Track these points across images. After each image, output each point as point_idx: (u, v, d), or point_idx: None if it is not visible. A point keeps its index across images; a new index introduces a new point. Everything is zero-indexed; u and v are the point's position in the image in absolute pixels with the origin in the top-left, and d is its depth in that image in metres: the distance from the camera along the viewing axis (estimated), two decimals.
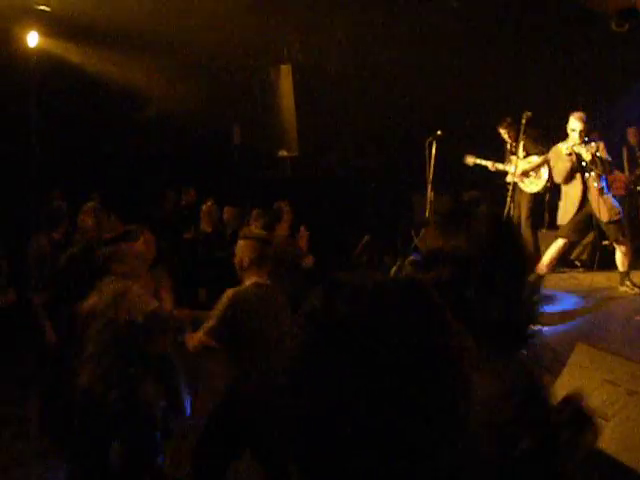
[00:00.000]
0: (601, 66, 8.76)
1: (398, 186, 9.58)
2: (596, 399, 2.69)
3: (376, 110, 9.25)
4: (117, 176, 9.50)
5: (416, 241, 9.41)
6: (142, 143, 9.93)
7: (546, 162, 7.71)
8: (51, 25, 8.62)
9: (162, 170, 9.91)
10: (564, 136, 6.79)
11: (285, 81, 9.43)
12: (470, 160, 8.32)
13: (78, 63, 9.27)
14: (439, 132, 7.70)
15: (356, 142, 9.77)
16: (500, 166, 8.21)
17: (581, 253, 8.07)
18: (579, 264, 8.11)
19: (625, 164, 8.50)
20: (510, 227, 1.74)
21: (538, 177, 8.01)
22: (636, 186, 8.35)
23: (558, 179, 6.81)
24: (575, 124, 6.56)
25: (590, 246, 7.88)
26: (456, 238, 1.60)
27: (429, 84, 8.77)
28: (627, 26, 8.85)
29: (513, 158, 8.03)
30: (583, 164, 6.56)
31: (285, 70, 9.43)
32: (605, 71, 8.79)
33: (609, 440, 2.44)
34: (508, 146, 8.14)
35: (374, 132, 9.65)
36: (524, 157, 7.98)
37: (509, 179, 8.00)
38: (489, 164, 8.25)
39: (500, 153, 8.34)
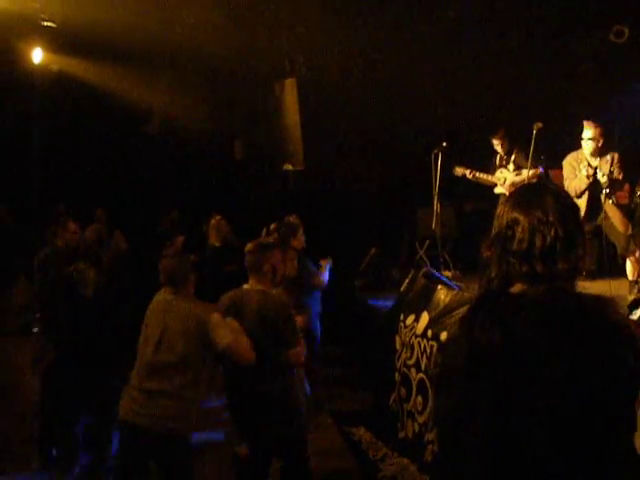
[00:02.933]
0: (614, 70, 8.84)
1: (403, 199, 9.59)
2: None
3: (381, 122, 9.28)
4: (121, 191, 9.48)
5: (420, 253, 9.47)
6: (146, 158, 9.93)
7: (536, 176, 7.75)
8: (56, 41, 8.62)
9: (166, 185, 9.89)
10: (574, 145, 6.85)
11: (290, 95, 9.45)
12: (459, 171, 8.26)
13: (82, 79, 9.26)
14: (444, 144, 7.71)
15: (361, 155, 9.78)
16: (482, 176, 8.14)
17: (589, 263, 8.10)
18: (584, 274, 8.11)
19: None
20: (571, 201, 1.92)
21: None
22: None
23: (572, 194, 6.86)
24: (589, 132, 6.58)
25: (596, 256, 7.91)
26: (529, 208, 1.81)
27: (434, 96, 8.81)
28: (626, 37, 9.00)
29: (503, 170, 8.03)
30: (598, 178, 6.63)
31: (290, 84, 9.44)
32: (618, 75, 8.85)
33: None
34: (498, 158, 8.10)
35: (379, 144, 9.67)
36: (513, 170, 7.98)
37: (497, 190, 7.99)
38: (468, 173, 8.18)
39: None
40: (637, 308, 5.40)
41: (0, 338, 6.62)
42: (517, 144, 7.71)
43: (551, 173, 8.47)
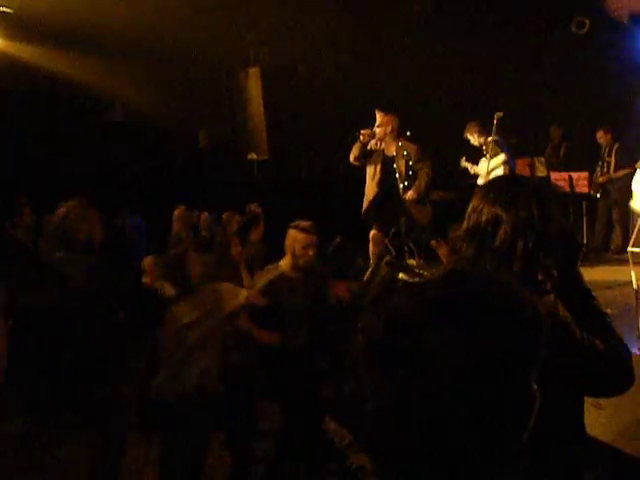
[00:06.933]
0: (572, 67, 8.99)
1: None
2: None
3: (346, 112, 9.28)
4: (83, 181, 9.31)
5: (385, 241, 9.51)
6: (108, 147, 9.79)
7: (504, 164, 7.90)
8: (12, 27, 8.43)
9: (129, 174, 9.76)
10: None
11: (254, 84, 9.40)
12: (464, 164, 8.56)
13: (41, 66, 9.06)
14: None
15: (325, 144, 9.78)
16: (475, 168, 8.44)
17: None
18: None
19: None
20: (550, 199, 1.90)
21: None
22: (600, 189, 8.58)
23: None
24: (377, 120, 6.81)
25: None
26: (513, 207, 1.79)
27: (399, 86, 8.84)
28: (586, 28, 9.15)
29: (483, 159, 8.20)
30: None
31: (254, 73, 9.39)
32: (578, 72, 9.01)
33: (605, 429, 2.49)
34: (484, 148, 8.26)
35: (344, 134, 9.67)
36: (490, 159, 8.15)
37: (480, 181, 8.20)
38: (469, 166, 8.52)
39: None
40: None
41: None
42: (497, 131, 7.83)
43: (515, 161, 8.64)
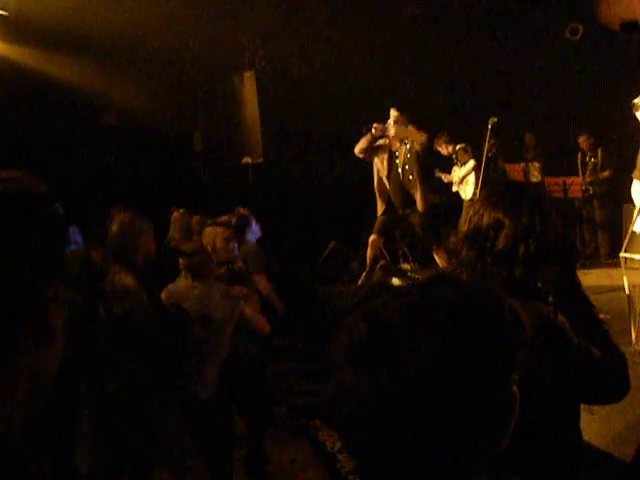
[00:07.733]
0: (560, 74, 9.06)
1: (363, 192, 9.64)
2: None
3: (340, 116, 9.30)
4: (76, 185, 9.28)
5: (379, 246, 9.55)
6: (103, 150, 9.76)
7: (474, 170, 8.03)
8: (8, 30, 8.40)
9: (123, 177, 9.73)
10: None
11: (249, 87, 9.42)
12: (438, 174, 8.78)
13: (36, 69, 9.02)
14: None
15: (320, 148, 9.79)
16: (448, 177, 8.70)
17: None
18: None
19: (579, 169, 8.87)
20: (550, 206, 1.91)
21: (468, 184, 8.32)
22: (587, 191, 8.65)
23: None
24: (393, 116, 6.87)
25: None
26: (515, 212, 1.80)
27: (394, 90, 8.87)
28: (580, 34, 9.23)
29: (455, 168, 8.44)
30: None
31: (248, 76, 9.41)
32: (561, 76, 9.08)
33: (597, 434, 2.50)
34: (454, 157, 8.54)
35: (338, 138, 9.69)
36: (461, 166, 8.40)
37: (454, 188, 8.49)
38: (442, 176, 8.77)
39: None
40: None
41: None
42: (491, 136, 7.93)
43: (508, 167, 8.73)
